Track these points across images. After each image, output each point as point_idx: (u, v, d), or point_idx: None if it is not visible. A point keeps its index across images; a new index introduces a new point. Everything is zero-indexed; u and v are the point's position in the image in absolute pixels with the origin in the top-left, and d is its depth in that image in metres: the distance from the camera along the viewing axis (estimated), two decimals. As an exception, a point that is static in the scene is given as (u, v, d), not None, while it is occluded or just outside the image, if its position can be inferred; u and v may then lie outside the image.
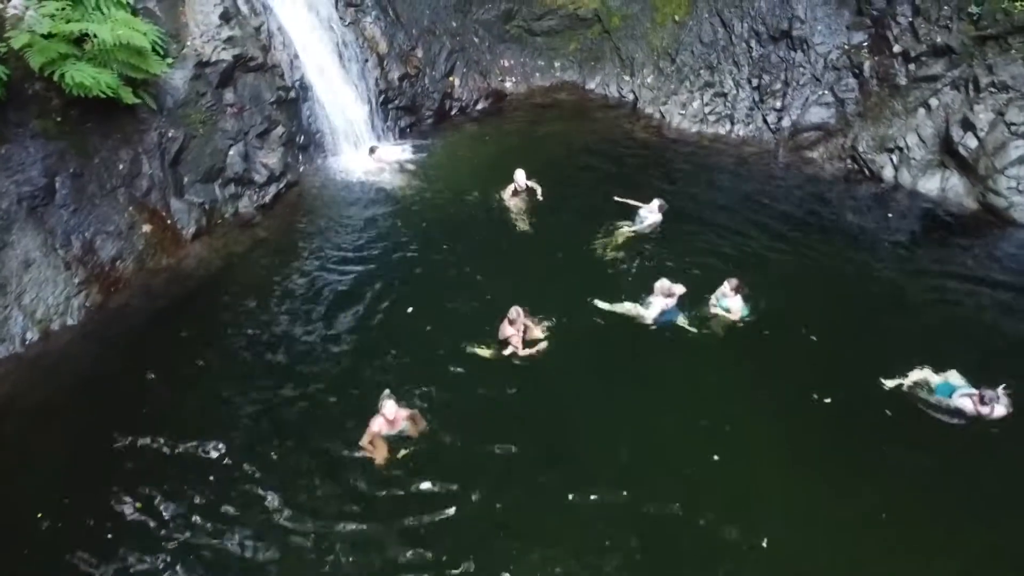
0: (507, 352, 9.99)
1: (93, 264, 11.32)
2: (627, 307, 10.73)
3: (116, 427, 9.32)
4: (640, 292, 11.06)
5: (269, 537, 7.96)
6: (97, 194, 11.58)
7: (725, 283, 10.60)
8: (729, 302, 10.56)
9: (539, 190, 13.69)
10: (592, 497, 8.21)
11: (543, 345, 10.12)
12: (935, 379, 9.40)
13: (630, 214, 13.10)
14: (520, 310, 9.89)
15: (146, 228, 12.00)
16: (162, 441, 9.12)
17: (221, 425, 9.36)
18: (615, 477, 8.48)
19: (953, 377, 9.37)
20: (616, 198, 13.32)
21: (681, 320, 10.60)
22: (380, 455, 8.64)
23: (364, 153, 15.19)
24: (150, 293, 11.67)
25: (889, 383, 9.49)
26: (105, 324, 11.05)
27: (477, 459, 8.75)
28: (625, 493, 8.26)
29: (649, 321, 10.52)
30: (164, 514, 8.27)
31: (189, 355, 10.56)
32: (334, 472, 8.64)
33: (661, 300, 10.41)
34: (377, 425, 8.68)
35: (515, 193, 13.61)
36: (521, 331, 9.93)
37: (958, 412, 9.09)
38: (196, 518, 8.19)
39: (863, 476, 8.49)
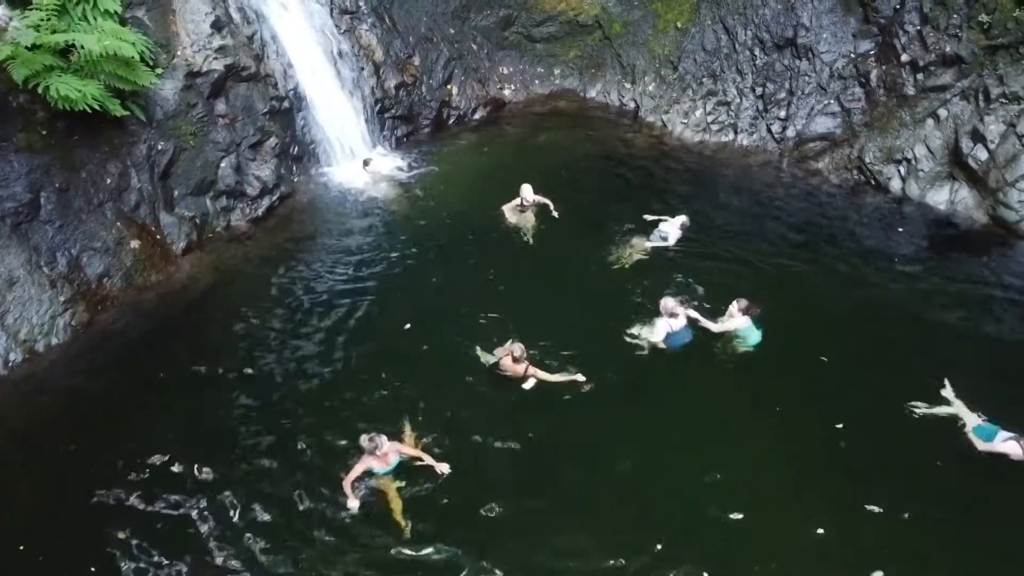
0: (527, 386, 9.63)
1: (79, 282, 11.01)
2: (643, 331, 10.41)
3: (102, 452, 9.05)
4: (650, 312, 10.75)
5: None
6: (84, 209, 11.27)
7: (733, 303, 10.21)
8: (735, 323, 10.19)
9: (551, 205, 13.16)
10: (597, 556, 7.83)
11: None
12: (973, 419, 8.83)
13: (647, 228, 12.66)
14: (523, 347, 9.47)
15: (134, 244, 11.68)
16: (148, 471, 8.83)
17: (211, 452, 9.05)
18: (622, 528, 8.12)
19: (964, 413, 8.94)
20: (646, 216, 12.88)
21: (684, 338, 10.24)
22: (389, 492, 8.33)
23: (360, 163, 14.85)
24: (138, 311, 11.37)
25: (923, 408, 9.09)
26: (92, 344, 10.76)
27: (475, 502, 8.36)
28: (634, 547, 7.89)
29: (660, 343, 10.16)
30: (148, 547, 7.96)
31: (178, 376, 10.27)
32: (326, 516, 8.31)
33: (664, 321, 10.06)
34: (367, 463, 8.29)
35: (521, 208, 13.12)
36: (527, 366, 9.52)
37: (997, 457, 8.52)
38: (180, 553, 7.88)
39: (877, 509, 8.17)
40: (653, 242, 12.36)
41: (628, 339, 10.42)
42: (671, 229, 12.38)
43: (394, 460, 8.43)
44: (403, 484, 8.50)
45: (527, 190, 13.05)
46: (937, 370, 9.78)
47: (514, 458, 8.89)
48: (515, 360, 9.45)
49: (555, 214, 13.14)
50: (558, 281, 11.82)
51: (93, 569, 7.76)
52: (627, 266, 12.01)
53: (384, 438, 8.34)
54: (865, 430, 9.07)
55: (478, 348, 10.15)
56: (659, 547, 7.83)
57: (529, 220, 13.08)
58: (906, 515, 8.07)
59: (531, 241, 12.83)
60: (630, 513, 8.27)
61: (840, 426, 9.14)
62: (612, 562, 7.70)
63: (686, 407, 9.58)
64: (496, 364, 9.76)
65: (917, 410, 9.17)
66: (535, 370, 9.57)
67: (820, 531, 7.95)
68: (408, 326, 10.94)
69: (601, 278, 11.87)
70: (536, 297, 11.49)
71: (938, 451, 8.80)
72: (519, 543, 7.91)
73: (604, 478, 8.67)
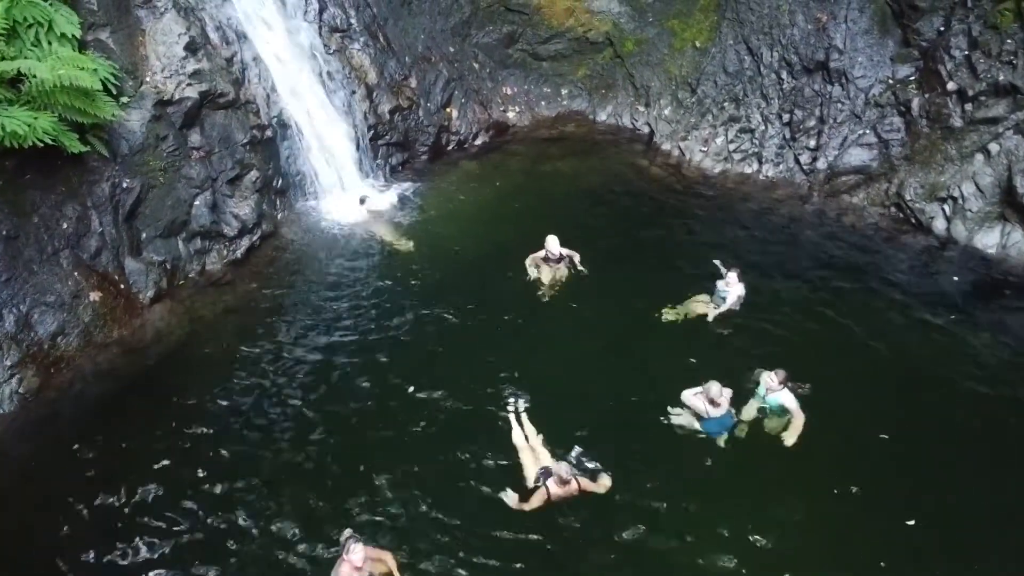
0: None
1: (29, 343, 9.72)
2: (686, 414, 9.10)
3: (54, 540, 7.94)
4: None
5: None
6: (35, 259, 9.98)
7: (772, 375, 8.85)
8: (779, 398, 8.87)
9: (577, 258, 11.59)
10: None
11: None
12: None
13: (704, 283, 11.21)
14: (568, 466, 7.94)
15: (94, 296, 10.40)
16: (104, 558, 7.71)
17: (176, 537, 7.91)
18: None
19: None
20: (716, 262, 11.39)
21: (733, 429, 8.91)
22: None
23: (351, 196, 13.59)
24: (98, 372, 10.15)
25: None
26: (43, 413, 9.53)
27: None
28: None
29: (695, 425, 8.91)
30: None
31: (142, 448, 9.02)
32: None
33: (700, 402, 8.75)
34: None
35: (546, 261, 11.63)
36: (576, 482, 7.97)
37: None
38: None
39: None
40: (719, 307, 10.76)
41: (664, 420, 9.17)
42: (727, 287, 10.77)
43: (367, 570, 7.16)
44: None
45: (553, 243, 11.45)
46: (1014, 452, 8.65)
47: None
48: (563, 482, 7.84)
49: (582, 269, 11.59)
50: (580, 341, 10.55)
51: None
52: (677, 322, 10.75)
53: (359, 545, 7.05)
54: (944, 531, 7.86)
55: (505, 492, 8.29)
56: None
57: (558, 274, 11.55)
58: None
59: (551, 295, 11.46)
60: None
61: (911, 523, 7.90)
62: None
63: (724, 499, 8.30)
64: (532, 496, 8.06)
65: None
66: (586, 483, 8.04)
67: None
68: (411, 389, 9.72)
69: (628, 338, 10.59)
70: (557, 360, 10.23)
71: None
72: None
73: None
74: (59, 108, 9.78)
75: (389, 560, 7.34)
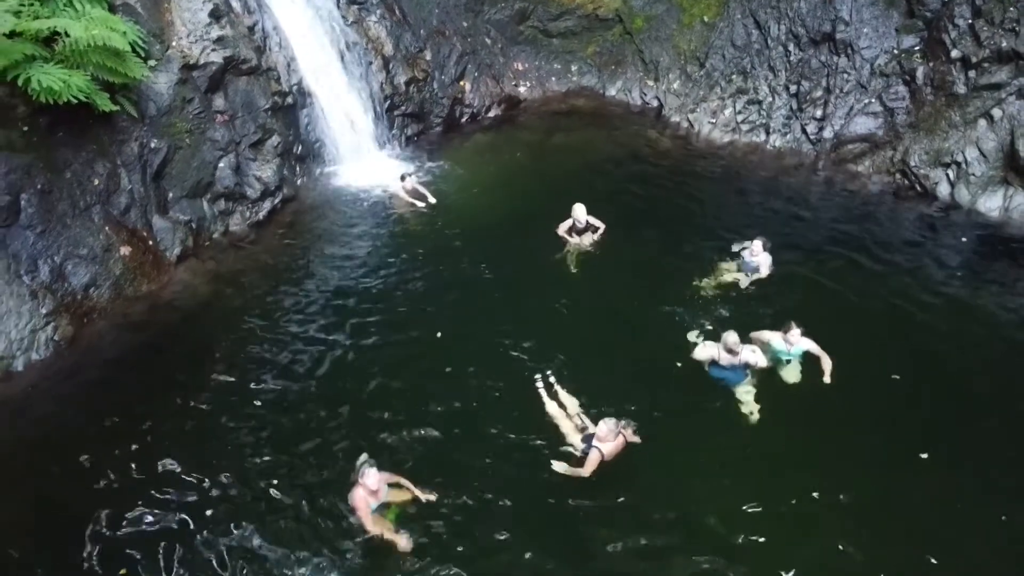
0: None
1: (63, 292, 10.02)
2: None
3: (87, 482, 8.09)
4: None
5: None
6: (68, 213, 10.28)
7: (794, 331, 9.11)
8: (802, 347, 9.19)
9: (601, 228, 11.71)
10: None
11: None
12: None
13: (727, 254, 11.40)
14: (613, 423, 7.85)
15: (124, 251, 10.70)
16: (139, 501, 7.86)
17: (202, 482, 8.11)
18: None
19: None
20: (734, 247, 11.44)
21: (743, 389, 9.03)
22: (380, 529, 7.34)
23: (367, 164, 13.92)
24: (128, 324, 10.39)
25: None
26: (76, 361, 9.74)
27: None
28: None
29: (704, 363, 9.18)
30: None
31: (170, 396, 9.25)
32: (327, 540, 7.43)
33: (714, 349, 9.02)
34: (363, 500, 7.27)
35: (573, 231, 11.69)
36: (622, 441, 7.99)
37: None
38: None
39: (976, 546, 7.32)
40: (745, 274, 10.92)
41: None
42: (752, 257, 10.93)
43: (383, 497, 7.46)
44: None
45: (580, 210, 11.58)
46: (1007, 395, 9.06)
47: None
48: (614, 436, 7.85)
49: (596, 239, 11.75)
50: (602, 307, 10.76)
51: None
52: (710, 293, 10.83)
53: (374, 470, 7.32)
54: (956, 460, 8.28)
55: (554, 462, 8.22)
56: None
57: (584, 242, 11.68)
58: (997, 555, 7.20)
59: (573, 258, 11.67)
60: None
61: (925, 456, 8.26)
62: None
63: (748, 448, 8.53)
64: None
65: None
66: (629, 435, 8.11)
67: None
68: (439, 334, 10.09)
69: (649, 304, 10.73)
70: (582, 326, 10.42)
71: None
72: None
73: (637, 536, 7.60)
74: (91, 67, 10.03)
75: (405, 483, 7.62)
